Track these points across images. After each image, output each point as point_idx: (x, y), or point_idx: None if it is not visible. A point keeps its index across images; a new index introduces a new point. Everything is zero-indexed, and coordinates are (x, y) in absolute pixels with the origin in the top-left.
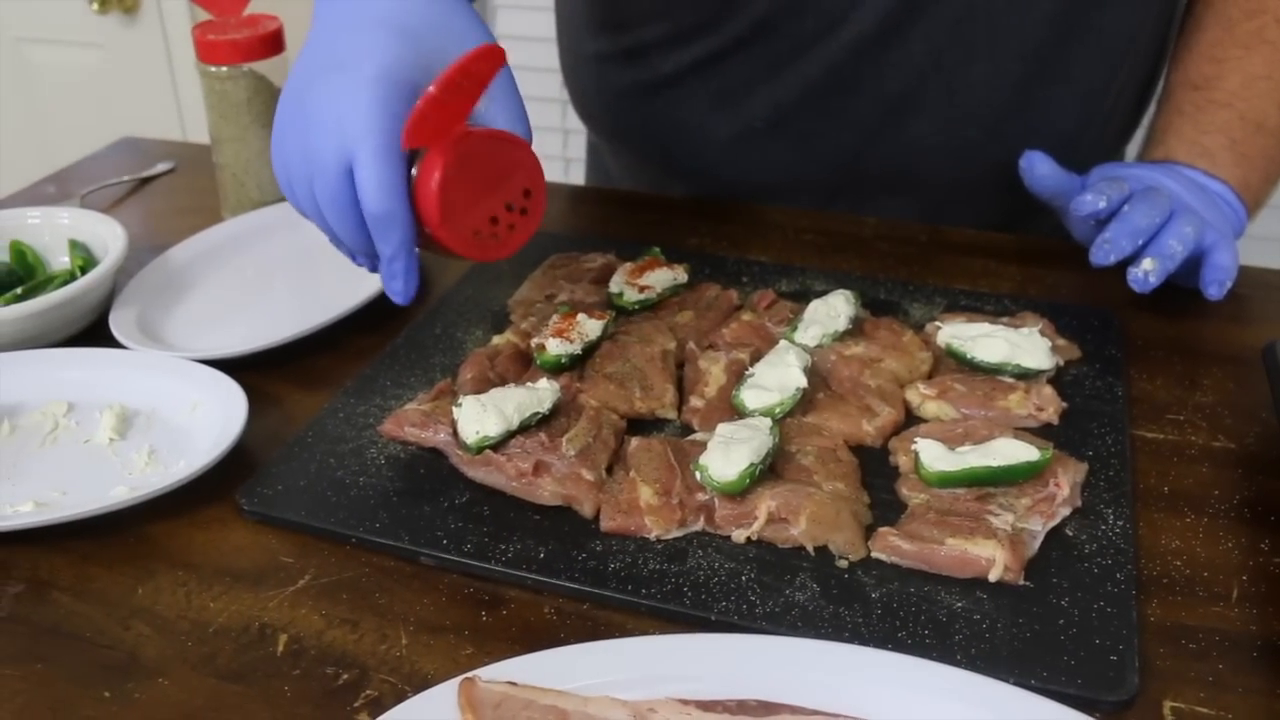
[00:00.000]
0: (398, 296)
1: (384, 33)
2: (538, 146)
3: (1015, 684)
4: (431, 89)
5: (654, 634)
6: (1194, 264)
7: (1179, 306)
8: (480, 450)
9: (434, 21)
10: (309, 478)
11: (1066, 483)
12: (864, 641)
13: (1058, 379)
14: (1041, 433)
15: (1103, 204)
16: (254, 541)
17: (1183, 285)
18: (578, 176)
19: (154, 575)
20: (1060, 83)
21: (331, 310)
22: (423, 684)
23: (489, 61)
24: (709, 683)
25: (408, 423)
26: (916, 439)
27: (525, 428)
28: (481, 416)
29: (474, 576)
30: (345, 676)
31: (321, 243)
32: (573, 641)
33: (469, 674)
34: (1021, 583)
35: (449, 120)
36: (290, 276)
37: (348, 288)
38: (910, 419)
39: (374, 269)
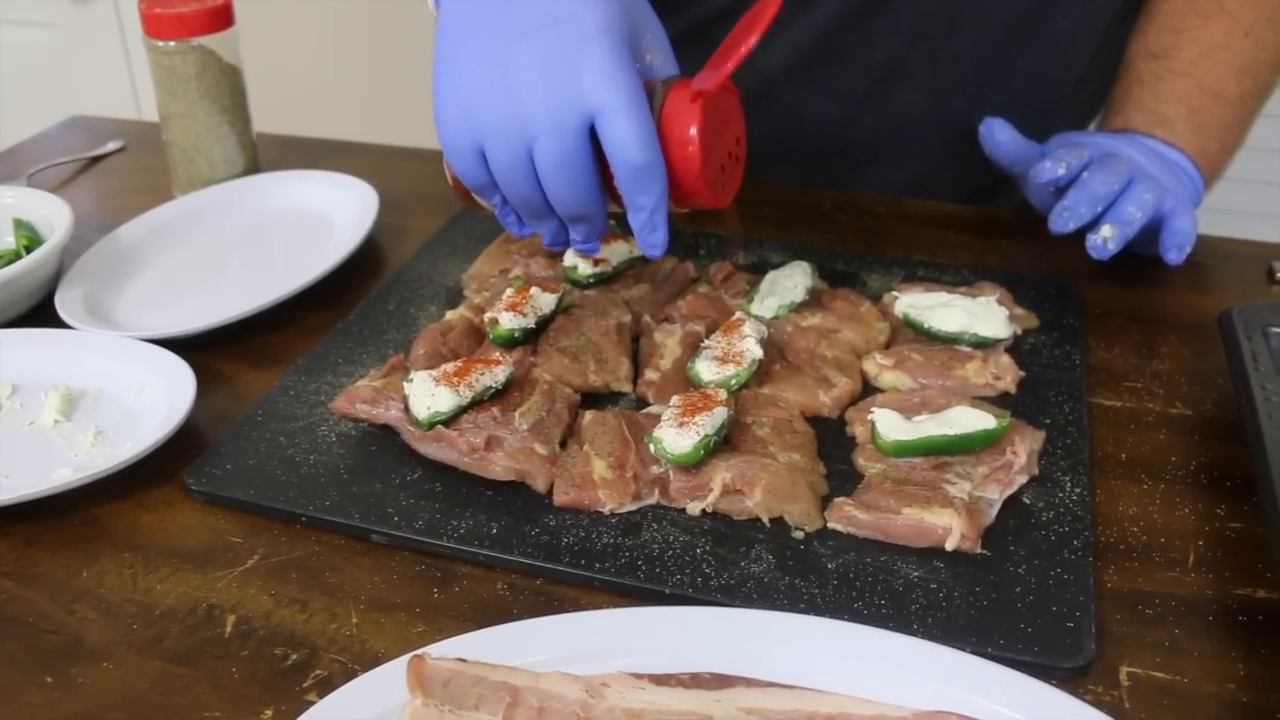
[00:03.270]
0: (657, 249)
1: None
2: None
3: (972, 652)
4: (749, 43)
5: (607, 608)
6: (1153, 231)
7: (1137, 275)
8: (432, 426)
9: None
10: (258, 456)
11: (1024, 451)
12: (820, 612)
13: (1015, 348)
14: (999, 401)
15: (1062, 170)
16: (202, 522)
17: (1141, 253)
18: None
19: (99, 558)
20: (1043, 50)
21: (284, 287)
22: (373, 663)
23: (773, 9)
24: (663, 656)
25: (359, 399)
26: (873, 409)
27: (478, 402)
28: (433, 392)
29: (426, 554)
30: (294, 656)
31: (274, 219)
32: (525, 617)
33: (418, 651)
34: (978, 551)
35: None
36: (242, 254)
37: (301, 265)
38: (867, 389)
39: (556, 241)
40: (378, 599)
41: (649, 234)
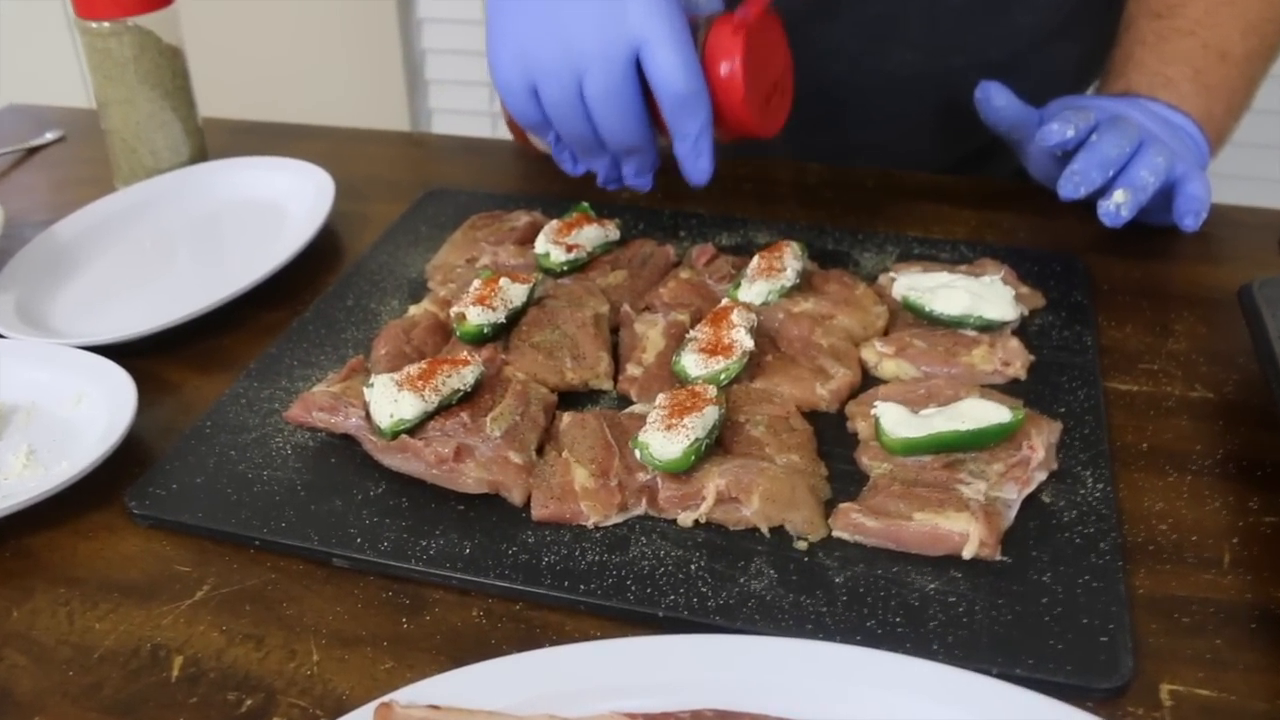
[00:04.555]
0: (702, 175)
1: None
2: (466, 103)
3: (999, 674)
4: None
5: (595, 635)
6: (1163, 198)
7: (1142, 247)
8: (396, 435)
9: None
10: (207, 474)
11: (1041, 444)
12: (829, 633)
13: (1022, 330)
14: (1008, 389)
15: (1070, 133)
16: (146, 549)
17: (1149, 223)
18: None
19: (31, 595)
20: (1042, 7)
21: (234, 284)
22: (337, 706)
23: None
24: (660, 694)
25: (315, 406)
26: (876, 402)
27: (445, 407)
28: (396, 397)
29: (393, 578)
30: (249, 702)
31: (223, 210)
32: (505, 647)
33: (385, 699)
34: (998, 558)
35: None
36: (189, 250)
37: (252, 259)
38: (867, 380)
39: (610, 178)
40: (341, 632)
41: (694, 160)
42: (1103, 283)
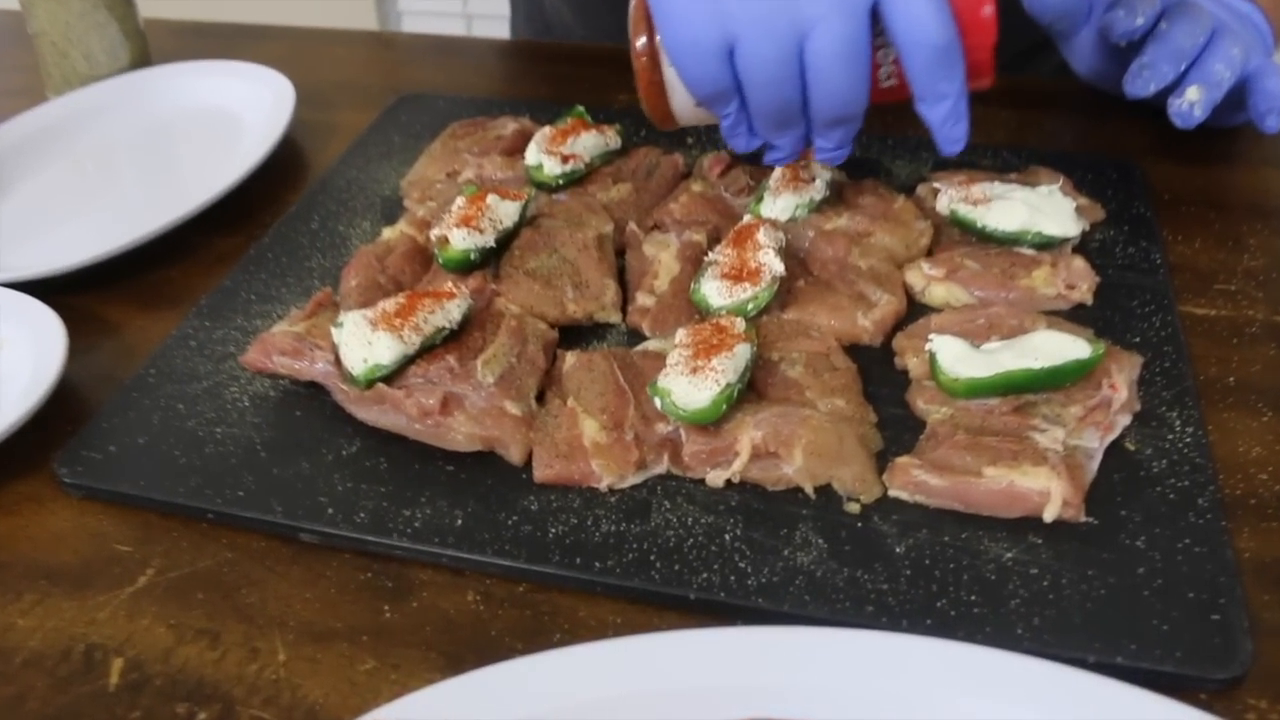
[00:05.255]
0: (960, 143)
1: None
2: (438, 2)
3: (1096, 663)
4: None
5: (615, 622)
6: (1234, 96)
7: (1202, 150)
8: (371, 383)
9: None
10: (150, 433)
11: (1123, 382)
12: (894, 617)
13: (1081, 247)
14: (1073, 315)
15: (1139, 21)
16: (78, 525)
17: (1214, 124)
18: (481, 31)
19: None
20: None
21: (182, 206)
22: (308, 718)
23: None
24: (698, 703)
25: (276, 350)
26: (930, 335)
27: (428, 349)
28: (370, 338)
29: (372, 556)
30: (202, 715)
31: (169, 122)
32: (507, 639)
33: (372, 716)
34: (1083, 519)
35: None
36: (131, 167)
37: (202, 177)
38: (913, 308)
39: (794, 154)
40: (311, 624)
41: (953, 127)
42: (1162, 191)
